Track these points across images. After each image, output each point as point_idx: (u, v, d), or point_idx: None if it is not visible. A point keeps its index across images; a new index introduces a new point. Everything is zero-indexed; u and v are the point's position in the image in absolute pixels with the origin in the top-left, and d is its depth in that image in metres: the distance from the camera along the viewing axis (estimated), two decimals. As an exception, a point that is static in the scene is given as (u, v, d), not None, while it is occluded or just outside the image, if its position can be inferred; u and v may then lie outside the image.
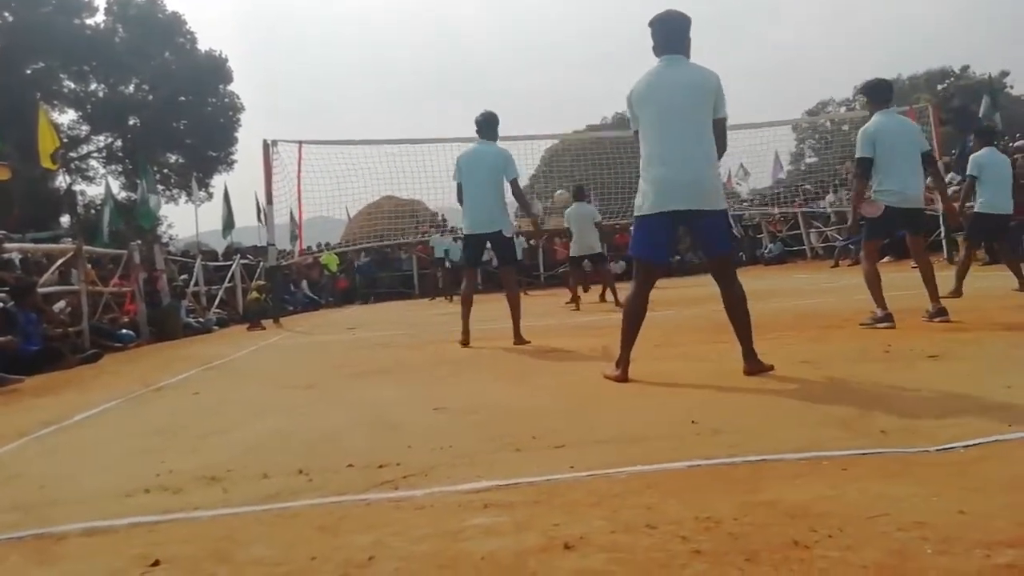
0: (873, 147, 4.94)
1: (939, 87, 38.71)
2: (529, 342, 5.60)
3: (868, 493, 1.72)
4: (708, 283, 3.65)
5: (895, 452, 2.04)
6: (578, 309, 9.41)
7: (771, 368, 3.45)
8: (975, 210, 6.90)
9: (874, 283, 5.04)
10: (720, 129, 3.51)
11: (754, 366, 3.46)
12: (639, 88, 3.55)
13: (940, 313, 4.87)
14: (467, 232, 5.79)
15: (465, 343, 5.71)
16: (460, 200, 5.85)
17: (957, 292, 6.42)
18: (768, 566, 1.36)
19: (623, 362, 3.59)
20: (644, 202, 3.51)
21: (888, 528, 1.50)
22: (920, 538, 1.44)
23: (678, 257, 19.79)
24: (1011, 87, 36.94)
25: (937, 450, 2.03)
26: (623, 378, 3.54)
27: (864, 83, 5.25)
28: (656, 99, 3.48)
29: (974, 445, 2.04)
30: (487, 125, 5.81)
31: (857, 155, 5.06)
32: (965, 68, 40.10)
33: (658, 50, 3.56)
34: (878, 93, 5.14)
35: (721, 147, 3.54)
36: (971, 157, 6.92)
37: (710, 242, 3.56)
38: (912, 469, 1.89)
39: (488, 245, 5.84)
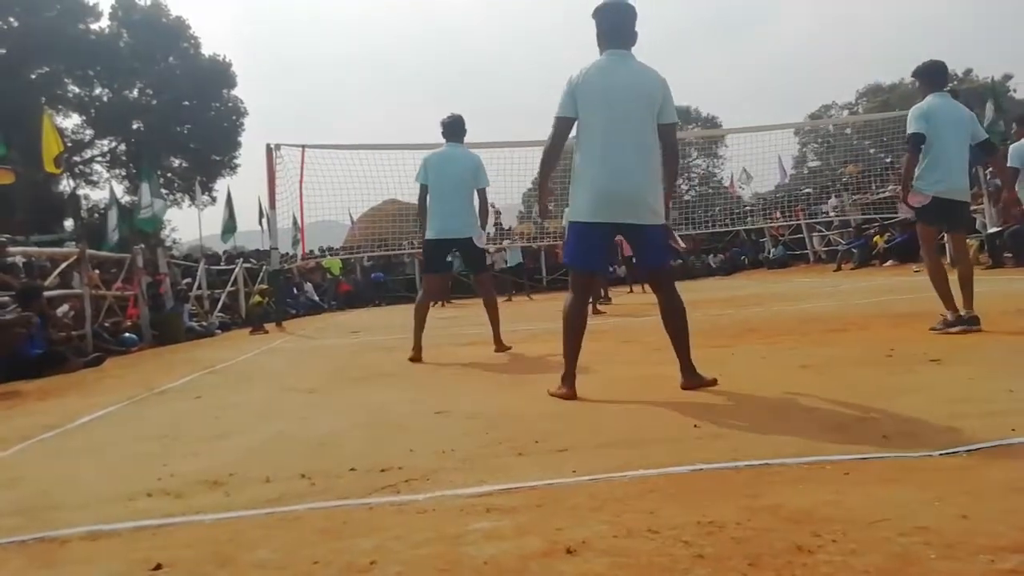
0: (926, 124, 4.61)
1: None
2: (510, 348, 5.50)
3: (871, 498, 1.71)
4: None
5: (897, 457, 2.04)
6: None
7: (714, 382, 3.31)
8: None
9: (940, 282, 4.65)
10: (669, 136, 3.34)
11: (692, 380, 3.31)
12: (585, 81, 3.30)
13: (972, 322, 4.48)
14: (432, 237, 5.42)
15: (417, 359, 5.29)
16: (421, 204, 5.54)
17: None
18: (771, 571, 1.36)
19: (569, 377, 3.39)
20: (581, 207, 3.32)
21: (891, 533, 1.49)
22: (923, 543, 1.43)
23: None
24: (1014, 90, 36.84)
25: (940, 454, 2.02)
26: (570, 395, 3.32)
27: (919, 65, 4.91)
28: (603, 101, 3.27)
29: (977, 449, 2.04)
30: (454, 128, 5.51)
31: (909, 131, 4.67)
32: (968, 71, 40.03)
33: (603, 42, 3.37)
34: (932, 76, 4.82)
35: (672, 155, 3.38)
36: (1012, 147, 6.47)
37: (647, 254, 3.41)
38: (914, 474, 1.89)
39: (456, 252, 5.60)
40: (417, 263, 21.09)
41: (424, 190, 5.45)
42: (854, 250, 16.31)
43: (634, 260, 3.09)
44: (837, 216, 18.50)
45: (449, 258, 5.82)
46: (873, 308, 6.79)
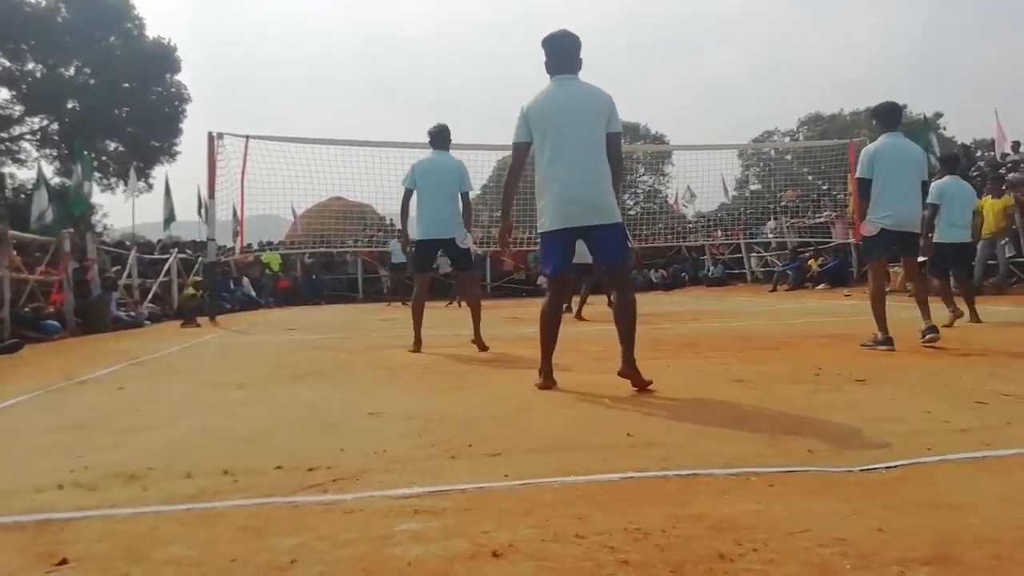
0: (872, 168, 5.07)
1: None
2: (488, 348, 5.65)
3: (793, 509, 1.75)
4: (643, 302, 3.74)
5: (820, 471, 2.09)
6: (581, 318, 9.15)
7: (649, 382, 3.49)
8: (934, 239, 6.85)
9: (878, 305, 5.06)
10: (614, 144, 3.60)
11: (629, 370, 3.47)
12: (534, 106, 3.62)
13: (931, 331, 5.00)
14: (420, 238, 5.78)
15: (416, 350, 5.70)
16: (403, 206, 5.94)
17: (956, 313, 6.66)
18: (693, 578, 1.37)
19: (545, 369, 3.74)
20: (544, 219, 3.63)
21: (810, 543, 1.53)
22: (840, 554, 1.47)
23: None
24: (944, 128, 38.68)
25: (860, 470, 2.09)
26: (548, 385, 3.69)
27: (875, 106, 5.39)
28: (550, 119, 3.56)
29: (895, 467, 2.11)
30: (440, 136, 5.88)
31: (856, 175, 5.29)
32: (903, 107, 41.85)
33: (551, 68, 3.67)
34: (885, 116, 5.25)
35: (616, 161, 3.63)
36: (933, 184, 6.69)
37: (605, 253, 3.63)
38: (835, 488, 1.94)
39: (441, 253, 5.89)
40: (360, 263, 20.87)
41: (408, 194, 5.82)
42: (789, 272, 16.82)
43: (593, 263, 3.38)
44: (775, 238, 19.07)
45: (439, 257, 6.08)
46: (805, 328, 7.01)
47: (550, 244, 3.66)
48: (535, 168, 3.67)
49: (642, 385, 3.48)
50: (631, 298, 3.60)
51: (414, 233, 5.88)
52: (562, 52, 3.65)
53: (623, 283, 3.68)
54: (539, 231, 3.70)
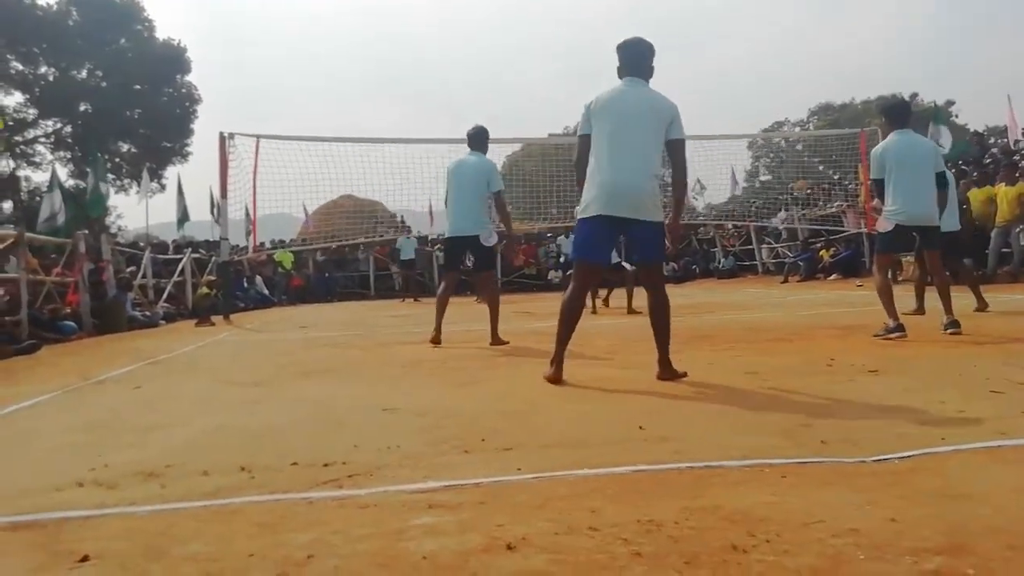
0: (883, 167, 5.16)
1: (888, 112, 39.78)
2: (507, 343, 5.71)
3: (806, 500, 1.76)
4: (672, 293, 3.77)
5: (833, 461, 2.09)
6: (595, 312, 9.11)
7: (684, 375, 3.64)
8: None
9: (885, 295, 5.20)
10: (677, 150, 3.68)
11: (667, 373, 3.64)
12: (600, 100, 3.71)
13: (952, 325, 5.06)
14: (446, 236, 5.98)
15: (436, 342, 5.83)
16: (446, 206, 6.08)
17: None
18: (706, 569, 1.38)
19: (557, 360, 3.73)
20: (587, 205, 3.68)
21: (823, 534, 1.53)
22: (853, 544, 1.47)
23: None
24: (956, 116, 38.32)
25: (873, 460, 2.08)
26: (557, 377, 3.68)
27: (883, 104, 5.45)
28: (613, 113, 3.65)
29: (908, 457, 2.11)
30: (475, 138, 6.06)
31: (871, 177, 5.43)
32: (914, 95, 41.48)
33: (622, 72, 3.77)
34: (894, 114, 5.33)
35: (679, 167, 3.71)
36: None
37: (643, 250, 3.72)
38: (849, 478, 1.94)
39: (468, 250, 5.99)
40: (372, 260, 20.95)
41: (447, 195, 6.00)
42: (801, 263, 16.73)
43: (631, 258, 3.49)
44: (786, 227, 18.95)
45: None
46: (817, 320, 6.98)
47: (587, 229, 3.70)
48: (591, 158, 3.71)
49: (680, 378, 3.61)
50: (664, 297, 3.68)
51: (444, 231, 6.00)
52: (635, 57, 3.74)
53: (656, 282, 3.74)
54: (579, 216, 3.75)
